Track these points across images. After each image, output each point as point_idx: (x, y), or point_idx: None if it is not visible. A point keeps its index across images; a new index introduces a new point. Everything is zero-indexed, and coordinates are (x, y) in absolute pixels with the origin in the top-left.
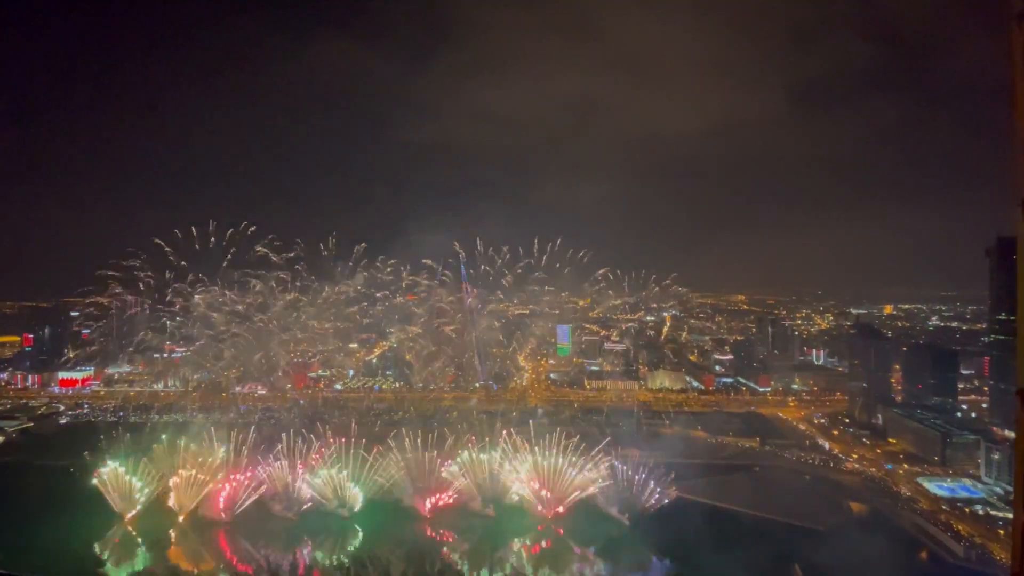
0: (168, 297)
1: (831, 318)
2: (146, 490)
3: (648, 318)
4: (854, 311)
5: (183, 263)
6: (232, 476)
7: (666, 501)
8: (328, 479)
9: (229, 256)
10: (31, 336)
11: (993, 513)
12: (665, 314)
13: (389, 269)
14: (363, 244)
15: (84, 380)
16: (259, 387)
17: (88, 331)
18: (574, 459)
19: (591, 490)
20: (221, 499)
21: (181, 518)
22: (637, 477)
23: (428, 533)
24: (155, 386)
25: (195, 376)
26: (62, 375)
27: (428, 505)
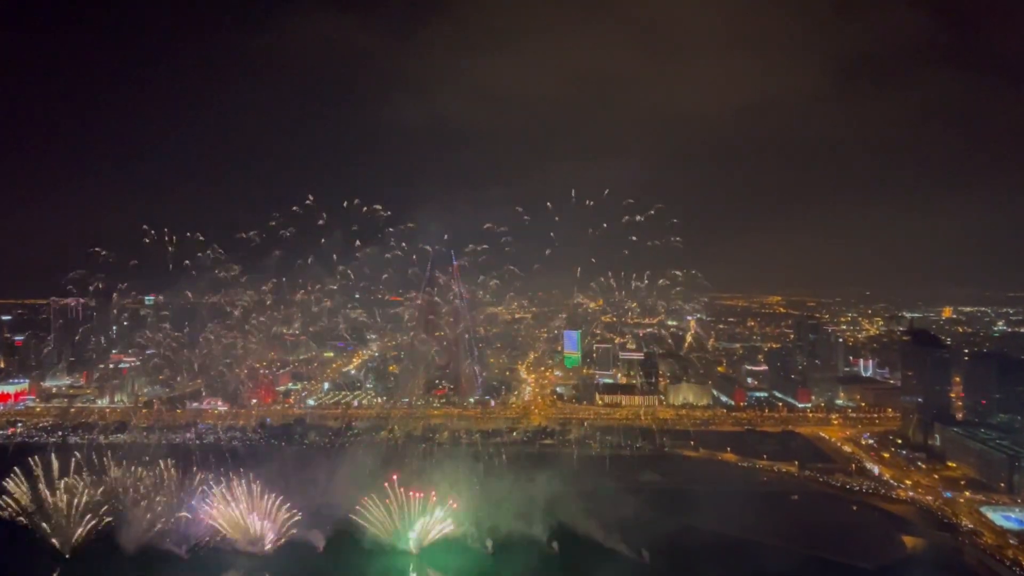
0: (117, 300)
1: (881, 323)
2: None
3: (670, 322)
4: (908, 315)
5: (133, 262)
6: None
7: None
8: None
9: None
10: None
11: None
12: (689, 318)
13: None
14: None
15: (17, 395)
16: (219, 403)
17: (22, 338)
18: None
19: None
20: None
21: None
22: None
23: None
24: (99, 401)
25: (145, 390)
26: None
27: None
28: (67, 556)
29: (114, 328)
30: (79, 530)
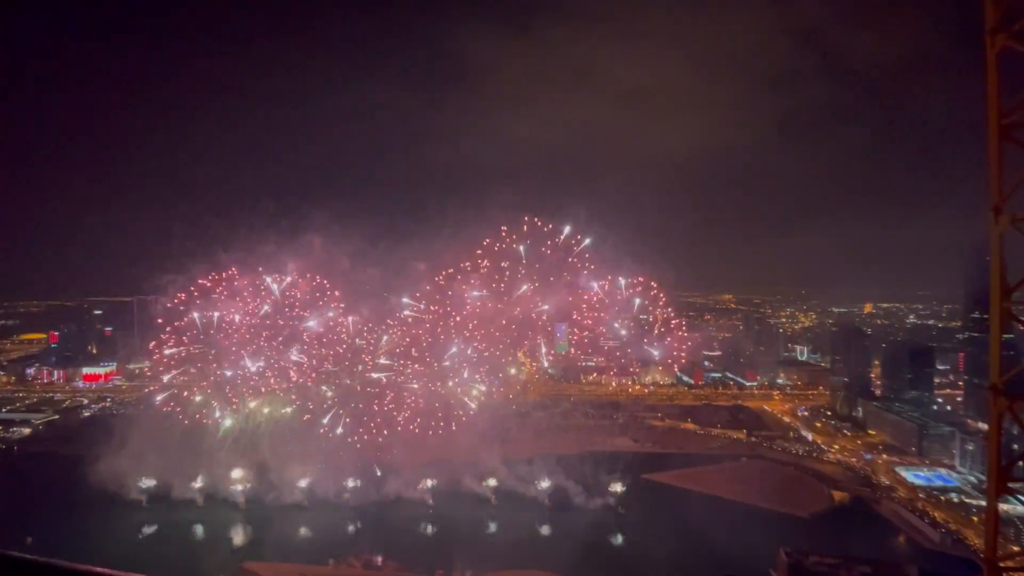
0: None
1: (814, 316)
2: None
3: (641, 316)
4: (836, 310)
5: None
6: None
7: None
8: None
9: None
10: (57, 333)
11: (967, 501)
12: (657, 312)
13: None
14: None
15: (107, 375)
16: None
17: (111, 328)
18: None
19: None
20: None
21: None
22: None
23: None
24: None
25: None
26: (86, 370)
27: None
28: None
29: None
30: None
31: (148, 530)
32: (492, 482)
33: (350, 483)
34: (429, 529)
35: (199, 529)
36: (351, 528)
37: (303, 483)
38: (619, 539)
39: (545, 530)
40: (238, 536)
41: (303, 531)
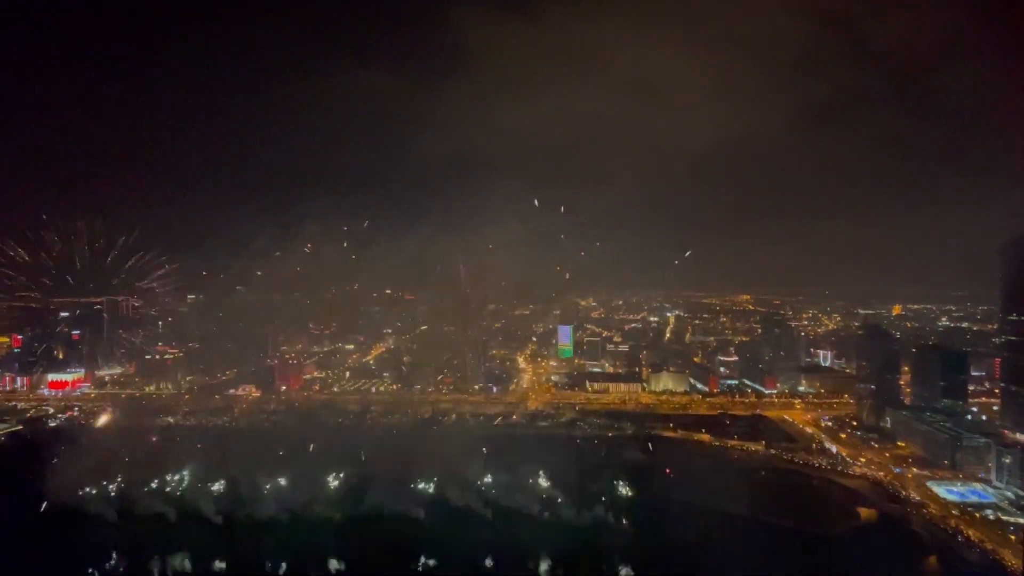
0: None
1: (838, 319)
2: None
3: (651, 318)
4: (862, 311)
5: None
6: None
7: None
8: None
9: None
10: (19, 337)
11: (1005, 518)
12: (668, 314)
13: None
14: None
15: (74, 382)
16: (253, 389)
17: (79, 332)
18: None
19: None
20: None
21: None
22: None
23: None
24: (147, 388)
25: (188, 378)
26: (51, 377)
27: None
28: None
29: (160, 323)
30: None
31: (117, 548)
32: (487, 495)
33: (330, 493)
34: (418, 546)
35: (172, 546)
36: (333, 544)
37: (279, 494)
38: (626, 559)
39: (544, 548)
40: (213, 553)
41: (281, 547)
